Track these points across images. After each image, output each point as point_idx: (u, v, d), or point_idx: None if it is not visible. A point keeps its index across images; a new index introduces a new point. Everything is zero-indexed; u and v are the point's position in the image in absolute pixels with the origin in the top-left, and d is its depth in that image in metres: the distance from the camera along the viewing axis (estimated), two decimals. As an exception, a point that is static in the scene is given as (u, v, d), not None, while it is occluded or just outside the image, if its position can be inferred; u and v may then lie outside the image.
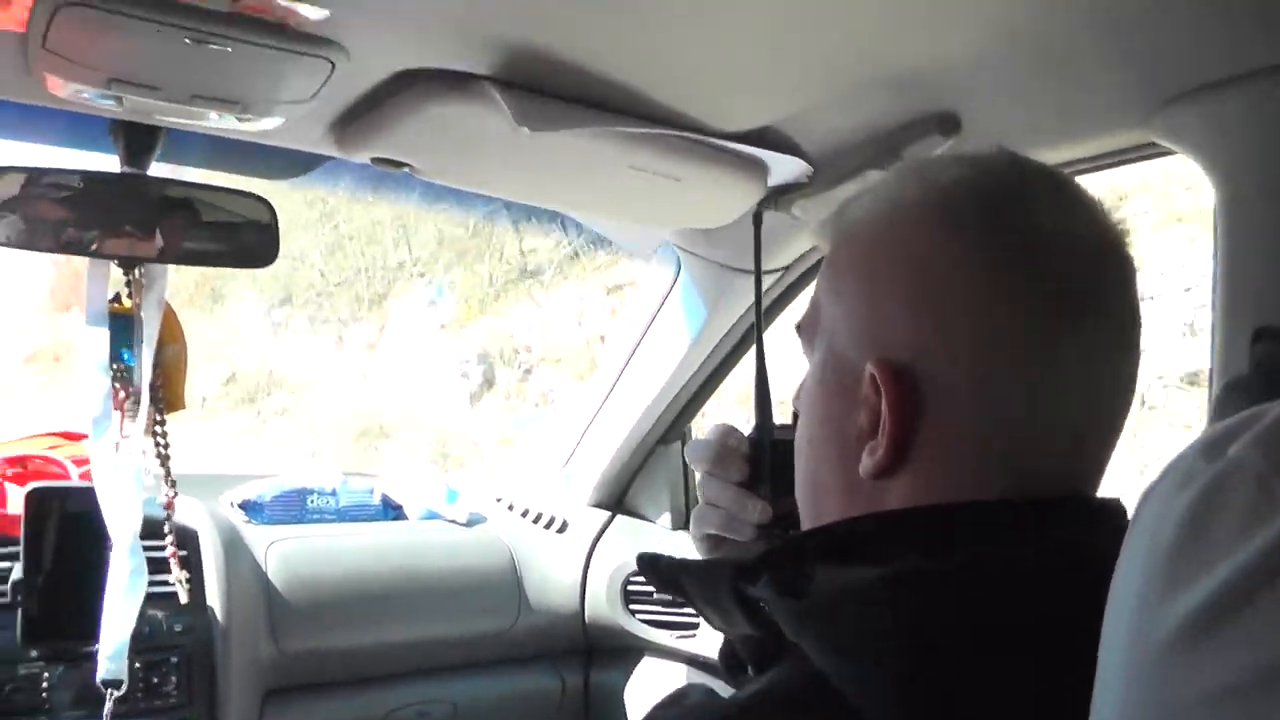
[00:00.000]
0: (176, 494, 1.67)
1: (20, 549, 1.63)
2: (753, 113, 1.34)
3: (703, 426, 2.33)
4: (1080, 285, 0.72)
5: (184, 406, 1.65)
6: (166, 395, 1.61)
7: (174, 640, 1.79)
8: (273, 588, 1.94)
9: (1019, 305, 0.70)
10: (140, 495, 1.58)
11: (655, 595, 2.20)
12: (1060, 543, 0.70)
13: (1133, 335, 0.75)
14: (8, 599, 1.63)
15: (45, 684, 1.63)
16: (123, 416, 1.58)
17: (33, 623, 1.61)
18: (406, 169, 1.40)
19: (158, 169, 1.49)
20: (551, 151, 1.34)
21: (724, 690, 0.88)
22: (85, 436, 1.95)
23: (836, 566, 0.70)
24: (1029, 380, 0.71)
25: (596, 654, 2.31)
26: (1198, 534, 0.47)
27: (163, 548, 1.81)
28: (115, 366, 1.55)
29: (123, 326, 1.57)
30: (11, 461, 1.88)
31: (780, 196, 1.55)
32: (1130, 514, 0.54)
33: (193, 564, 1.86)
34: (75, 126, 1.43)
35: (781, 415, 1.07)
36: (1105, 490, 0.77)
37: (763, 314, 1.33)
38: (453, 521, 2.28)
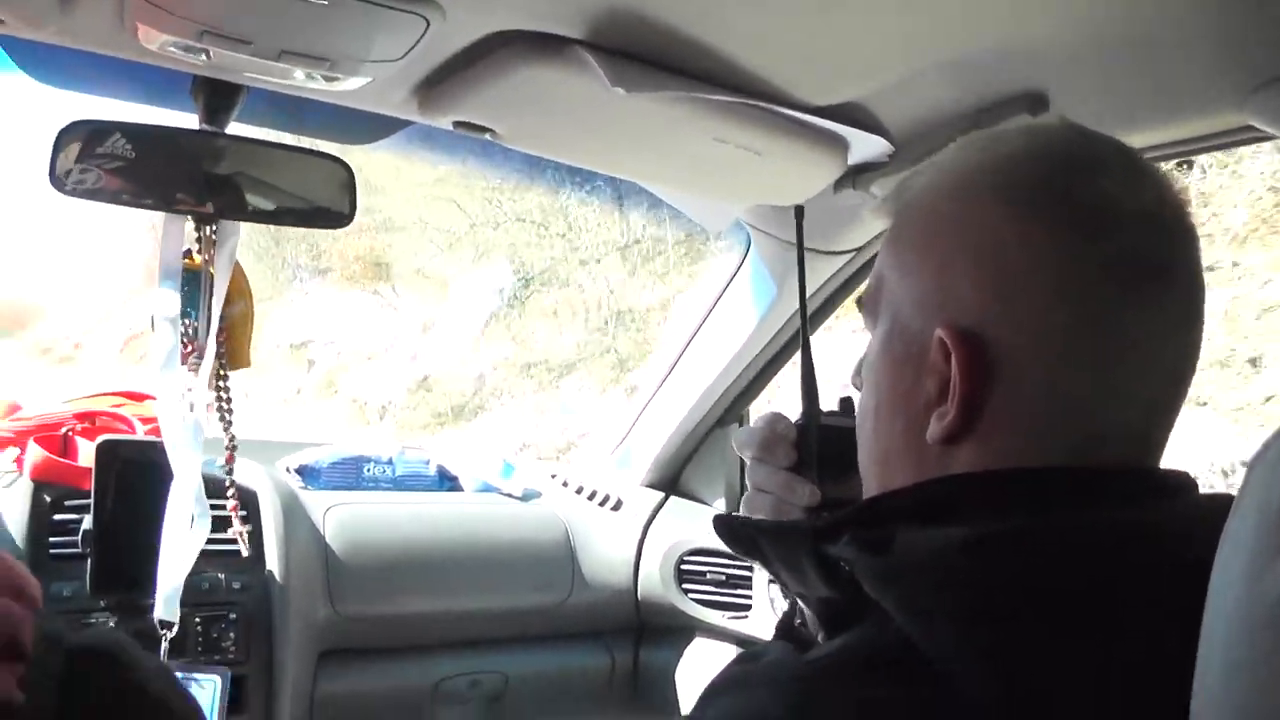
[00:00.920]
0: (236, 448, 1.68)
1: (90, 500, 1.64)
2: (838, 86, 1.32)
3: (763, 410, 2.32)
4: (1145, 253, 0.72)
5: (248, 364, 1.66)
6: (230, 352, 1.61)
7: (233, 597, 1.81)
8: (330, 551, 1.95)
9: (1084, 272, 0.71)
10: (201, 447, 1.58)
11: (708, 576, 2.20)
12: (1140, 513, 0.70)
13: (1197, 303, 0.75)
14: (79, 549, 1.65)
15: (134, 634, 1.64)
16: (188, 370, 1.59)
17: (101, 573, 1.63)
18: (489, 134, 1.39)
19: (236, 129, 1.50)
20: (636, 120, 1.33)
21: None
22: (150, 397, 1.99)
23: (918, 527, 0.70)
24: (1095, 345, 0.71)
25: (648, 632, 2.31)
26: None
27: (223, 505, 1.83)
28: (183, 322, 1.56)
29: (190, 282, 1.57)
30: (80, 417, 1.90)
31: (859, 175, 1.54)
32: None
33: (252, 524, 1.88)
34: (156, 83, 1.44)
35: (829, 403, 1.07)
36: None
37: (832, 294, 1.31)
38: (508, 495, 2.29)
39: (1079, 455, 0.72)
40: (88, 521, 1.63)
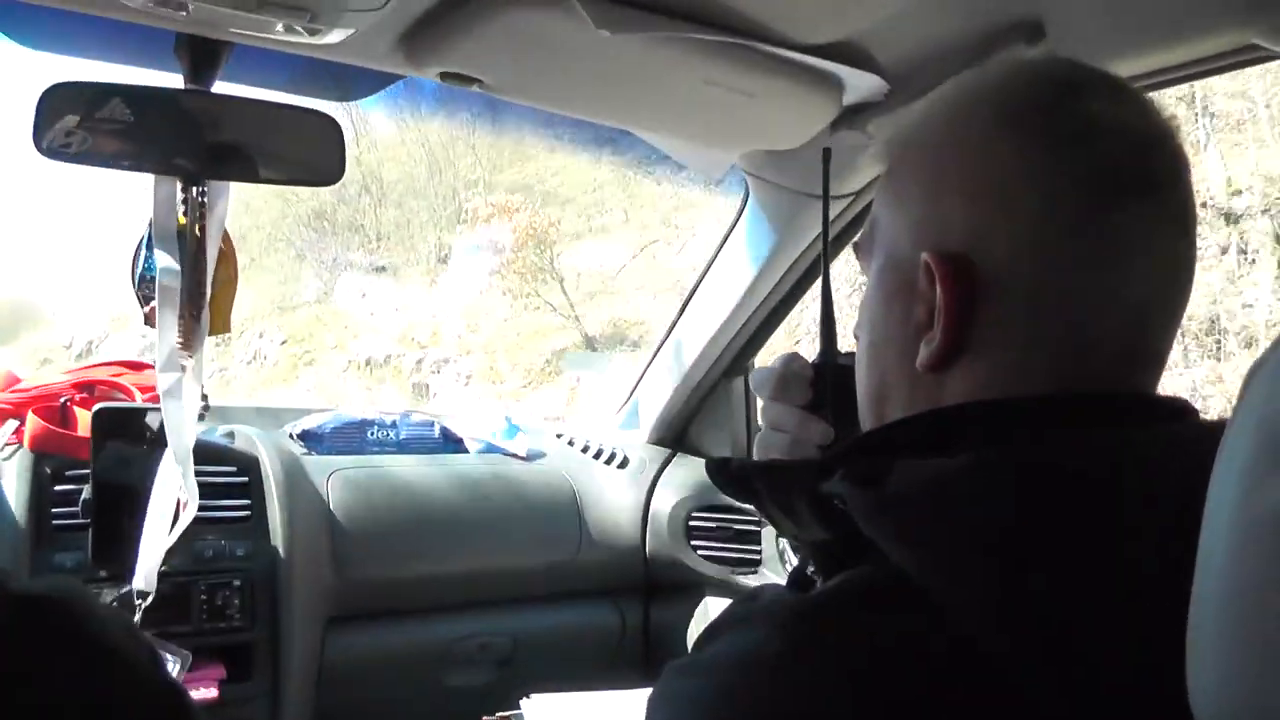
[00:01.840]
0: (208, 407, 1.68)
1: (90, 469, 1.63)
2: (830, 24, 1.30)
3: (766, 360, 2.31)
4: (1133, 168, 0.72)
5: (228, 329, 1.64)
6: (211, 316, 1.60)
7: (237, 564, 1.80)
8: (334, 516, 1.95)
9: (1071, 186, 0.71)
10: (195, 412, 1.58)
11: (716, 531, 2.19)
12: (1135, 436, 0.69)
13: (1187, 220, 0.75)
14: (80, 519, 1.64)
15: (112, 602, 1.64)
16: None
17: (102, 542, 1.62)
18: (477, 85, 1.37)
19: (222, 89, 1.48)
20: (626, 64, 1.31)
21: None
22: (148, 366, 1.98)
23: (912, 459, 0.69)
24: (1080, 253, 0.71)
25: (657, 590, 2.30)
26: None
27: (223, 473, 1.82)
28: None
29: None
30: (79, 386, 1.89)
31: (855, 115, 1.51)
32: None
33: (254, 491, 1.87)
34: (141, 42, 1.42)
35: (846, 343, 1.06)
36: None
37: (830, 241, 1.29)
38: (513, 455, 2.28)
39: (1071, 372, 0.72)
40: (87, 491, 1.62)
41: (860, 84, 1.43)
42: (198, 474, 1.61)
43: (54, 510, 1.71)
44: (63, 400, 1.84)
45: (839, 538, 0.74)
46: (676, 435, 2.41)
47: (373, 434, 2.21)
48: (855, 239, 0.89)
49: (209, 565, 1.74)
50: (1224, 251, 7.74)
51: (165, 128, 1.44)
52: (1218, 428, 0.53)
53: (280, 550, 1.84)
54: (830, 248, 1.92)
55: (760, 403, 1.08)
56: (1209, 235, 7.67)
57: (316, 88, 1.62)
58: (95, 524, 1.61)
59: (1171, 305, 0.76)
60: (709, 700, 0.67)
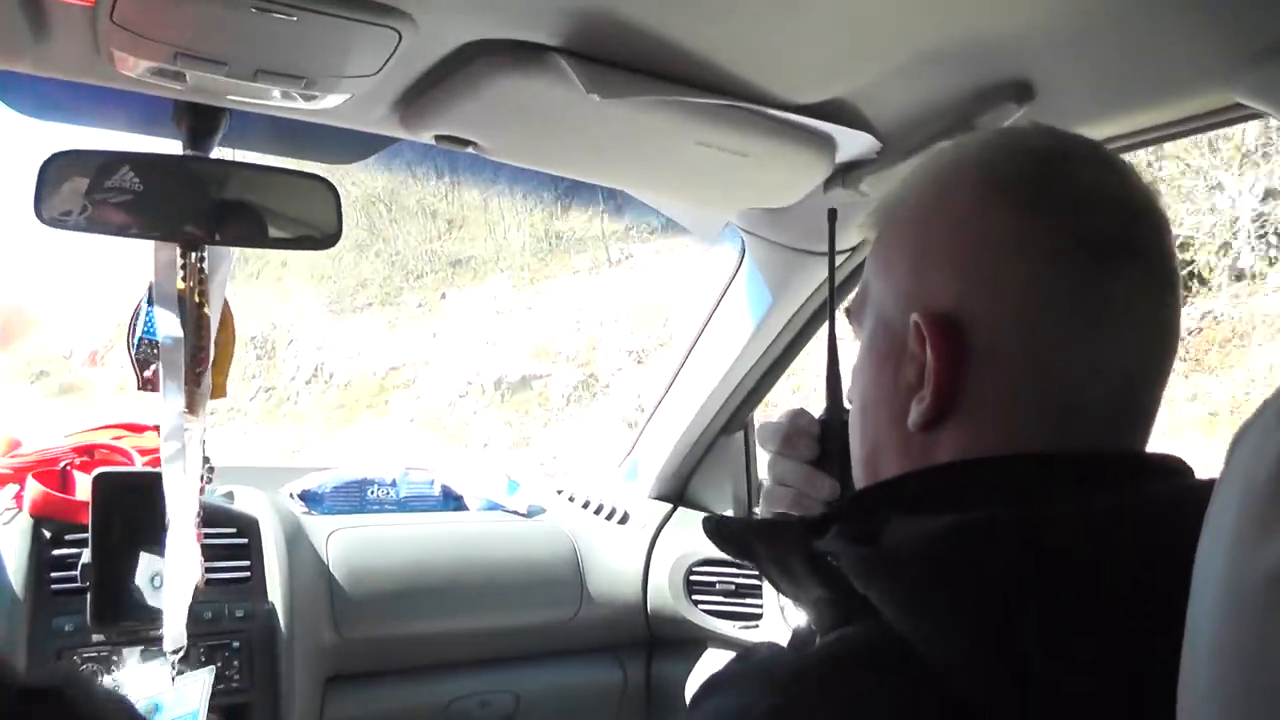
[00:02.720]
0: (212, 469, 1.68)
1: (89, 534, 1.63)
2: (821, 84, 1.31)
3: (768, 416, 2.31)
4: (1118, 234, 0.73)
5: (224, 394, 1.66)
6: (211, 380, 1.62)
7: (236, 625, 1.79)
8: (333, 576, 1.94)
9: (1058, 252, 0.72)
10: (198, 475, 1.58)
11: (718, 586, 2.18)
12: (1125, 496, 0.70)
13: (1170, 282, 0.77)
14: (79, 583, 1.63)
15: (114, 665, 1.64)
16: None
17: (101, 605, 1.62)
18: (472, 147, 1.39)
19: (220, 154, 1.50)
20: (618, 126, 1.32)
21: None
22: (149, 428, 1.98)
23: (905, 516, 0.70)
24: (1069, 319, 0.72)
25: (659, 645, 2.29)
26: None
27: (223, 535, 1.82)
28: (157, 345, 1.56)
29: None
30: (80, 450, 1.89)
31: (848, 174, 1.52)
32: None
33: (254, 552, 1.87)
34: (140, 110, 1.44)
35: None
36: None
37: (807, 301, 1.30)
38: (513, 512, 2.27)
39: (1060, 432, 0.73)
40: (86, 555, 1.62)
41: (853, 142, 1.44)
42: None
43: (53, 574, 1.70)
44: (62, 465, 1.84)
45: (836, 596, 0.74)
46: (677, 491, 2.41)
47: (372, 493, 2.21)
48: (847, 304, 0.90)
49: (208, 627, 1.73)
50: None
51: (165, 194, 1.46)
52: (1209, 487, 0.53)
53: (279, 611, 1.83)
54: (826, 305, 1.94)
55: (766, 457, 1.08)
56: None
57: (314, 151, 1.63)
58: (94, 588, 1.61)
59: (1158, 367, 0.77)
60: None
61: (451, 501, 2.29)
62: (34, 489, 1.76)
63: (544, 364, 11.36)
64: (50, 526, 1.74)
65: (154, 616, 1.61)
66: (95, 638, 1.65)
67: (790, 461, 1.04)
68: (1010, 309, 0.73)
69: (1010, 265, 0.73)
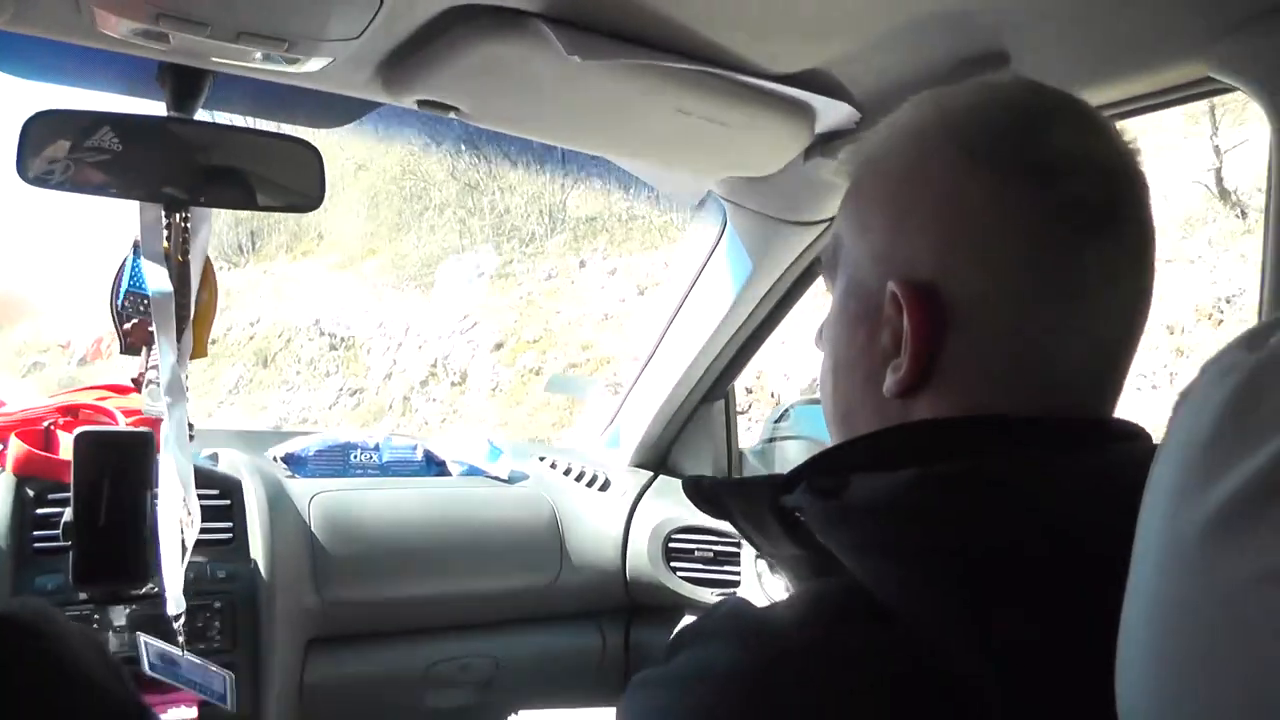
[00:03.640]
0: (193, 430, 1.70)
1: (71, 493, 1.64)
2: (801, 53, 1.32)
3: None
4: (1096, 200, 0.73)
5: (205, 353, 1.67)
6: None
7: (218, 586, 1.80)
8: (315, 538, 1.95)
9: (1036, 217, 0.72)
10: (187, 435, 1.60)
11: (697, 554, 2.20)
12: (1087, 455, 0.71)
13: (1148, 248, 0.76)
14: (61, 542, 1.65)
15: (95, 624, 1.65)
16: (148, 353, 1.62)
17: (84, 564, 1.63)
18: (454, 113, 1.39)
19: (205, 117, 1.50)
20: (599, 93, 1.33)
21: None
22: (132, 389, 1.99)
23: (870, 473, 0.70)
24: (1047, 288, 0.72)
25: (638, 612, 2.30)
26: (1237, 421, 0.47)
27: (206, 496, 1.83)
28: (145, 303, 1.57)
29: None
30: (63, 410, 1.90)
31: (828, 143, 1.54)
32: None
33: (236, 514, 1.88)
34: (124, 71, 1.44)
35: None
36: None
37: (788, 269, 1.31)
38: (495, 478, 2.29)
39: (1035, 401, 0.73)
40: (68, 514, 1.63)
41: (832, 113, 1.45)
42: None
43: (35, 533, 1.71)
44: (46, 424, 1.85)
45: (807, 552, 0.75)
46: (658, 458, 2.43)
47: (355, 457, 2.22)
48: (819, 255, 0.90)
49: (190, 587, 1.73)
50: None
51: (148, 155, 1.46)
52: None
53: (262, 573, 1.84)
54: (810, 271, 1.96)
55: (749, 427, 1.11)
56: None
57: (297, 115, 1.64)
58: (76, 547, 1.62)
59: (1134, 335, 0.77)
60: (676, 714, 0.68)
61: (434, 467, 2.29)
62: (16, 447, 1.76)
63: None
64: (33, 485, 1.74)
65: (139, 575, 1.63)
66: (80, 596, 1.66)
67: None
68: (990, 280, 0.72)
69: (991, 235, 0.72)
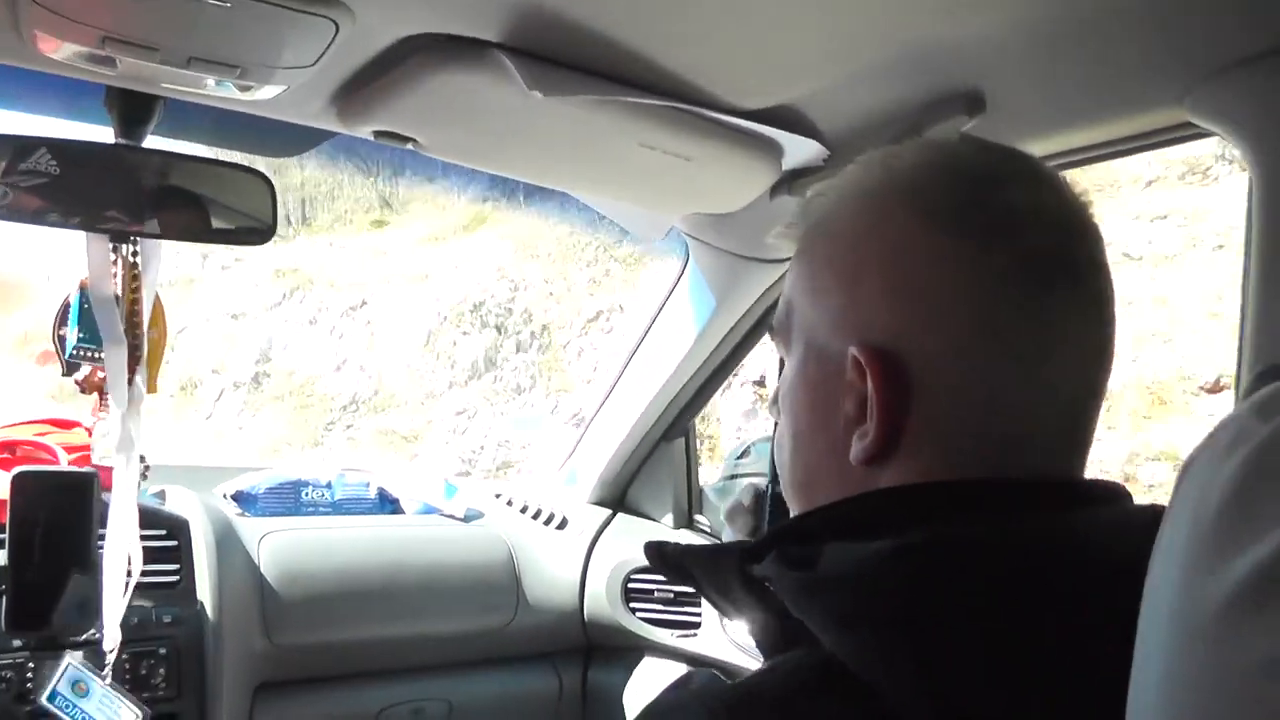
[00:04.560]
0: (148, 468, 1.66)
1: (5, 535, 1.58)
2: (769, 89, 1.29)
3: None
4: (1053, 255, 0.72)
5: (155, 390, 1.62)
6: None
7: (163, 631, 1.74)
8: (265, 580, 1.90)
9: (993, 276, 0.71)
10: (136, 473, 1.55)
11: (656, 594, 2.17)
12: (1062, 520, 0.69)
13: (1107, 300, 0.75)
14: (-7, 586, 1.58)
15: (30, 673, 1.58)
16: (100, 399, 1.56)
17: (16, 610, 1.56)
18: (411, 144, 1.36)
19: (155, 144, 1.45)
20: (560, 125, 1.30)
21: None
22: (76, 424, 1.93)
23: (843, 542, 0.68)
24: (1009, 348, 0.71)
25: (596, 653, 2.27)
26: (1251, 496, 0.45)
27: (153, 536, 1.77)
28: (90, 349, 1.52)
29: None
30: (2, 446, 1.84)
31: (795, 180, 1.51)
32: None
33: (184, 554, 1.82)
34: (70, 95, 1.40)
35: None
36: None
37: (751, 308, 1.29)
38: (450, 516, 2.24)
39: (1003, 462, 0.71)
40: (1, 557, 1.56)
41: (800, 149, 1.43)
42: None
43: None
44: (-19, 462, 1.79)
45: (776, 620, 0.73)
46: (617, 495, 2.39)
47: (307, 494, 2.17)
48: (771, 321, 0.88)
49: (135, 633, 1.68)
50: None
51: (95, 183, 1.41)
52: (1146, 512, 0.52)
53: (209, 616, 1.79)
54: (770, 310, 1.94)
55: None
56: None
57: (252, 144, 1.60)
58: (9, 591, 1.56)
59: (1098, 390, 0.75)
60: None
61: (388, 505, 2.25)
62: (-51, 488, 1.70)
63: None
64: (-33, 525, 1.68)
65: (78, 622, 1.57)
66: (14, 643, 1.59)
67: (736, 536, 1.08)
68: (948, 342, 0.71)
69: (948, 296, 0.71)
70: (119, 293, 1.51)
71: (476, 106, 1.24)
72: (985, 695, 0.60)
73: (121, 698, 1.60)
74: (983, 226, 0.71)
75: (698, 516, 2.38)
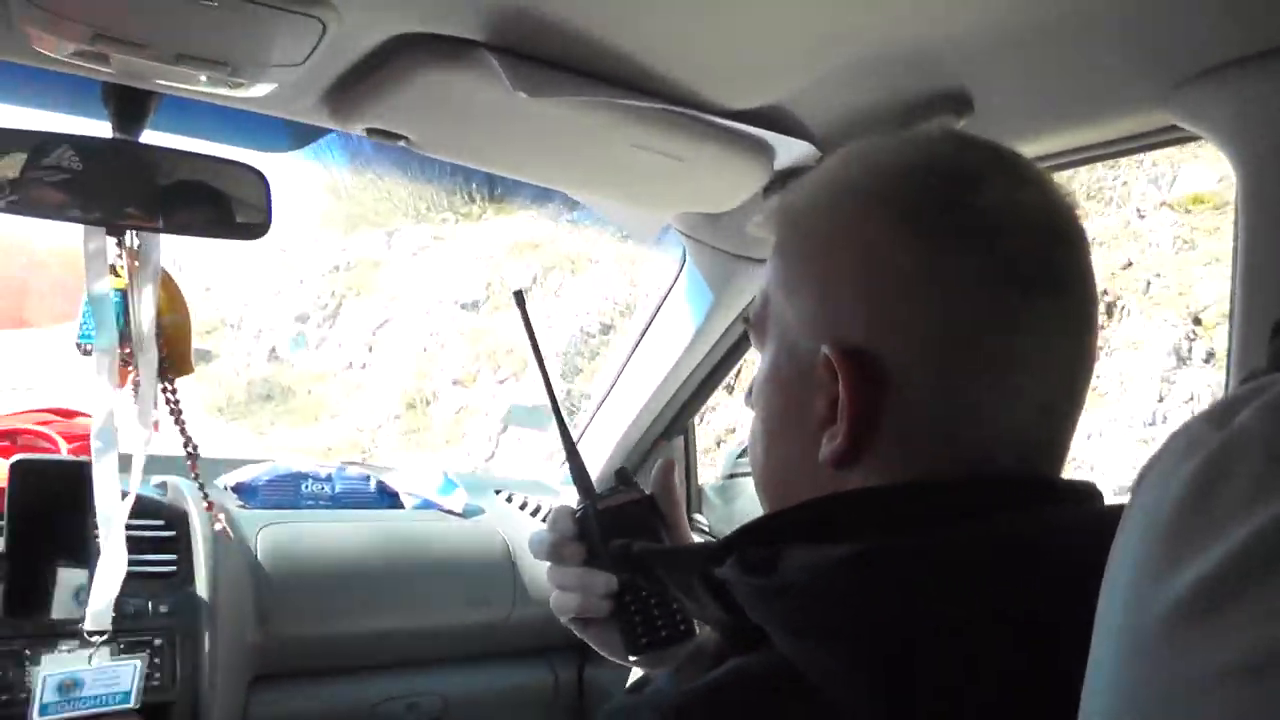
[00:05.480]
0: (197, 454, 1.65)
1: (4, 522, 1.60)
2: (759, 90, 1.30)
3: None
4: (1032, 260, 0.71)
5: (191, 370, 1.62)
6: (172, 360, 1.58)
7: (159, 622, 1.75)
8: (262, 571, 1.91)
9: (971, 281, 0.69)
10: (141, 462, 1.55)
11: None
12: (1027, 521, 0.68)
13: (1089, 307, 0.74)
14: (-10, 573, 1.59)
15: (27, 660, 1.59)
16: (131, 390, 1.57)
17: (15, 596, 1.58)
18: (403, 142, 1.36)
19: (152, 138, 1.46)
20: (550, 124, 1.30)
21: None
22: (79, 413, 1.94)
23: (804, 546, 0.68)
24: (984, 353, 0.69)
25: (591, 649, 2.26)
26: (1202, 505, 0.45)
27: (151, 527, 1.78)
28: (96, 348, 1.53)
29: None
30: (2, 434, 1.85)
31: (788, 181, 1.50)
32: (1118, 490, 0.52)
33: (182, 545, 1.83)
34: (68, 90, 1.40)
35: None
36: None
37: (747, 308, 1.28)
38: (449, 511, 2.25)
39: (974, 467, 0.70)
40: (0, 544, 1.58)
41: (791, 149, 1.43)
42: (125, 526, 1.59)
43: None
44: (-19, 450, 1.81)
45: (737, 621, 0.73)
46: (615, 494, 2.39)
47: (307, 488, 2.17)
48: (747, 316, 0.87)
49: (131, 623, 1.69)
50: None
51: (90, 177, 1.42)
52: (1117, 512, 0.52)
53: (205, 607, 1.80)
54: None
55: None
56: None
57: (246, 139, 1.60)
58: (7, 578, 1.57)
59: (1076, 398, 0.74)
60: None
61: (386, 499, 2.26)
62: (-51, 475, 1.71)
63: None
64: (-34, 512, 1.69)
65: (73, 610, 1.58)
66: (11, 630, 1.61)
67: (563, 569, 1.07)
68: (923, 345, 0.69)
69: (923, 299, 0.69)
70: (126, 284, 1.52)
71: (466, 106, 1.25)
72: (942, 706, 0.60)
73: (116, 664, 1.62)
74: (958, 228, 0.70)
75: (696, 515, 2.38)
